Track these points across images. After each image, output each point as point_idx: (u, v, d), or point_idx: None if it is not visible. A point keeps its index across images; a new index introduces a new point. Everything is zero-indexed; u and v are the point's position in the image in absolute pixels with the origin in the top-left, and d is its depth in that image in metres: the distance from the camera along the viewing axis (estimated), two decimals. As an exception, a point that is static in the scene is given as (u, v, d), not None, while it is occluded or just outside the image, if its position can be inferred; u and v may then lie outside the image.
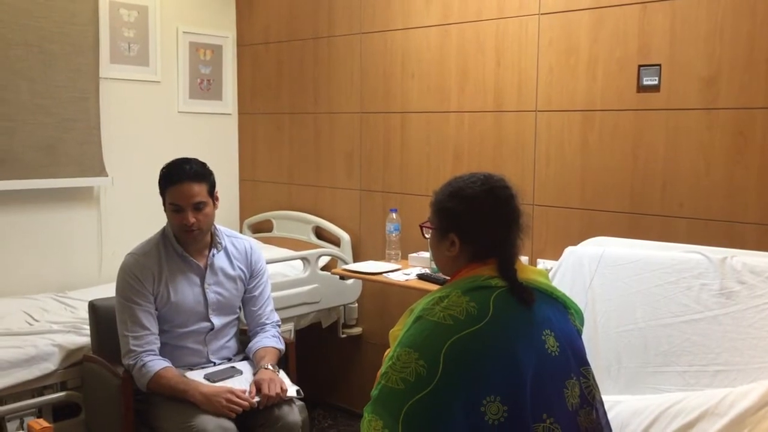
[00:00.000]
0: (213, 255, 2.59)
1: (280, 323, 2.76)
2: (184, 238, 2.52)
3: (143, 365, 2.40)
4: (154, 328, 2.48)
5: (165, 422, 2.38)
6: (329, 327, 3.69)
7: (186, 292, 2.54)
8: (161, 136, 3.88)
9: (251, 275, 2.69)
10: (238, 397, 2.33)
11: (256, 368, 2.52)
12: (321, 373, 3.91)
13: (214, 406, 2.30)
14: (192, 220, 2.45)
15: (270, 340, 2.65)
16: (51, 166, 3.40)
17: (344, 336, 3.74)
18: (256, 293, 2.70)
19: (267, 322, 2.70)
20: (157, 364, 2.41)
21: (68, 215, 3.55)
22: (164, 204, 2.51)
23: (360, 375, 3.78)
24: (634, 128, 2.76)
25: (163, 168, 2.53)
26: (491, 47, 3.13)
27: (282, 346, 2.67)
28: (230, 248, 2.65)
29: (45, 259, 3.47)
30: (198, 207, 2.47)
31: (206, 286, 2.57)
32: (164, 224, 2.60)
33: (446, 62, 3.29)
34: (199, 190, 2.47)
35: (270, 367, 2.50)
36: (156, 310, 2.50)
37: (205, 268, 2.58)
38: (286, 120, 4.03)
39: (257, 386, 2.40)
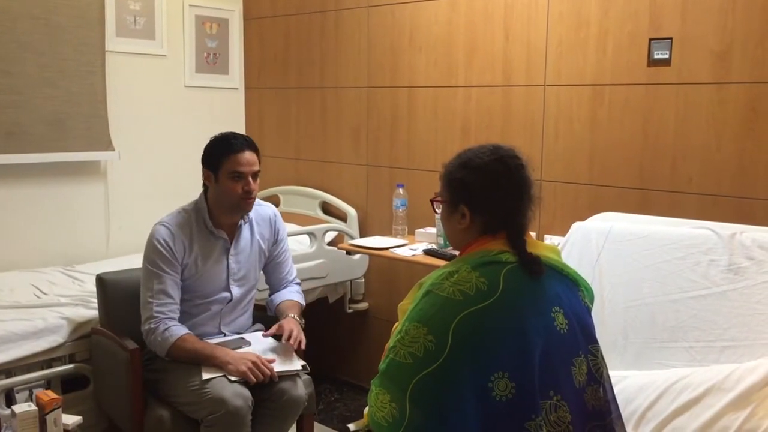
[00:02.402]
0: (240, 227, 2.61)
1: (300, 282, 2.84)
2: (242, 206, 2.53)
3: (166, 329, 2.40)
4: (178, 298, 2.49)
5: (177, 391, 2.39)
6: (336, 302, 3.70)
7: (213, 266, 2.56)
8: (168, 110, 3.86)
9: (275, 241, 2.73)
10: (262, 364, 2.37)
11: (282, 317, 2.59)
12: (328, 347, 3.93)
13: (238, 366, 2.34)
14: (254, 186, 2.50)
15: (293, 294, 2.74)
16: (58, 140, 3.40)
17: (351, 311, 3.75)
18: (281, 259, 2.76)
19: (290, 282, 2.78)
20: (180, 329, 2.44)
21: (76, 189, 3.56)
22: (216, 174, 2.49)
23: (366, 350, 3.80)
24: (645, 103, 2.73)
25: (216, 139, 2.54)
26: (500, 20, 3.09)
27: (303, 302, 2.76)
28: (255, 218, 2.68)
29: (53, 233, 3.48)
30: (255, 176, 2.52)
31: (230, 256, 2.59)
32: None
33: (454, 36, 3.26)
34: (256, 159, 2.54)
35: (297, 318, 2.58)
36: (182, 280, 2.51)
37: (231, 241, 2.60)
38: (293, 95, 4.01)
39: (280, 330, 2.48)
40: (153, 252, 2.47)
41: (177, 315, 2.47)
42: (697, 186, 2.64)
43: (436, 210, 1.71)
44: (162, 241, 2.47)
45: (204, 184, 2.57)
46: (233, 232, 2.60)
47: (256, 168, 2.52)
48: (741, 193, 2.54)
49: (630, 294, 2.31)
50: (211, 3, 4.01)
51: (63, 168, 3.48)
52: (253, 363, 2.36)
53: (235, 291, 2.61)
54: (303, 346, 2.50)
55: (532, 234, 2.87)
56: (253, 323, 2.75)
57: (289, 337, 2.47)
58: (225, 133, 2.56)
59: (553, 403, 1.49)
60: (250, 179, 2.49)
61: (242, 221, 2.61)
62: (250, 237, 2.65)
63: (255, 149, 2.54)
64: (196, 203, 2.59)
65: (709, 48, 2.56)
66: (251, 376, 2.33)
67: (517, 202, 1.59)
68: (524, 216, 1.60)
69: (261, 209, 2.71)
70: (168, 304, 2.45)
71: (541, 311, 1.52)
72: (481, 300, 1.48)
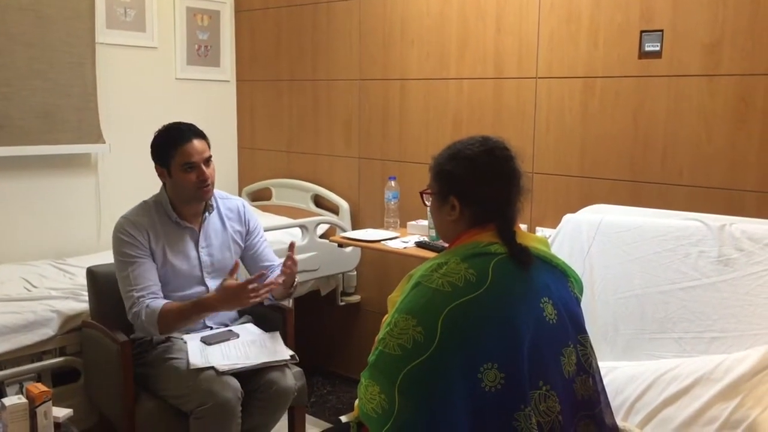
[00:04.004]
0: (206, 218, 2.60)
1: None
2: (200, 195, 2.51)
3: (146, 306, 2.39)
4: (156, 279, 2.48)
5: (167, 384, 2.39)
6: (328, 295, 3.70)
7: (182, 257, 2.54)
8: (159, 103, 3.85)
9: (248, 232, 2.72)
10: (249, 284, 2.36)
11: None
12: (320, 340, 3.93)
13: (239, 299, 2.36)
14: (207, 174, 2.48)
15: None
16: (48, 132, 3.38)
17: (343, 303, 3.75)
18: (259, 249, 2.74)
19: (275, 268, 2.73)
20: (159, 301, 2.42)
21: (66, 182, 3.54)
22: (168, 169, 2.49)
23: (358, 342, 3.80)
24: (636, 95, 2.73)
25: (161, 135, 2.52)
26: (492, 13, 3.09)
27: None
28: (223, 210, 2.67)
29: (43, 226, 3.47)
30: (207, 162, 2.50)
31: (200, 248, 2.58)
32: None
33: (446, 28, 3.25)
34: (205, 146, 2.51)
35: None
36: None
37: (199, 231, 2.58)
38: (285, 87, 4.00)
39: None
40: (119, 244, 2.48)
41: (160, 294, 2.46)
42: (687, 178, 2.64)
43: (426, 203, 1.71)
44: (124, 232, 2.47)
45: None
46: (199, 224, 2.59)
47: (207, 154, 2.50)
48: (731, 184, 2.55)
49: (620, 285, 2.31)
50: (202, -5, 4.00)
51: (53, 161, 3.47)
52: (251, 290, 2.34)
53: (211, 284, 2.59)
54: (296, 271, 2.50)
55: (524, 226, 2.90)
56: (241, 315, 2.75)
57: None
58: (168, 125, 2.54)
59: (542, 393, 1.49)
60: (203, 167, 2.47)
61: (206, 213, 2.60)
62: (222, 228, 2.64)
63: (201, 136, 2.52)
64: (156, 196, 2.58)
65: (700, 40, 2.56)
66: (255, 299, 2.35)
67: (507, 194, 1.59)
68: (513, 207, 1.60)
69: (229, 202, 2.71)
70: (149, 287, 2.44)
71: (530, 302, 1.53)
72: (470, 291, 1.48)
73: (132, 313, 2.42)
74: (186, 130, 2.49)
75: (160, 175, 2.53)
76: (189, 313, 2.41)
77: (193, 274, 2.57)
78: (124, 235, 2.47)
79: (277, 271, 2.71)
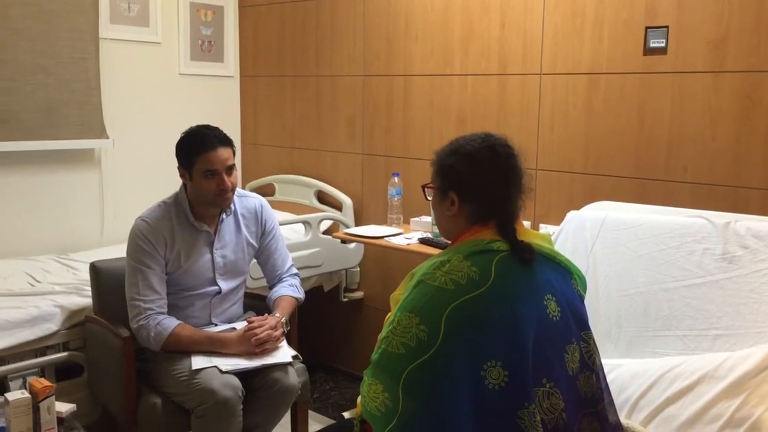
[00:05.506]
0: (222, 220, 2.59)
1: (298, 274, 2.80)
2: (219, 202, 2.50)
3: (158, 323, 2.40)
4: (164, 292, 2.48)
5: (168, 381, 2.39)
6: (331, 291, 3.70)
7: (197, 259, 2.53)
8: (162, 98, 3.85)
9: (263, 233, 2.70)
10: (258, 327, 2.43)
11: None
12: (322, 336, 3.93)
13: (246, 346, 2.41)
14: (228, 183, 2.46)
15: (286, 289, 2.70)
16: (51, 127, 3.38)
17: (346, 300, 3.75)
18: (271, 250, 2.72)
19: (284, 274, 2.74)
20: (172, 321, 2.43)
21: (69, 177, 3.54)
22: (190, 173, 2.47)
23: (361, 339, 3.80)
24: (640, 92, 2.72)
25: (186, 137, 2.50)
26: (496, 8, 3.08)
27: (299, 295, 2.72)
28: (240, 209, 2.65)
29: (47, 221, 3.47)
30: (230, 170, 2.48)
31: (214, 250, 2.57)
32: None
33: (450, 24, 3.25)
34: (229, 154, 2.49)
35: (277, 315, 2.55)
36: (166, 275, 2.49)
37: (215, 234, 2.57)
38: (288, 83, 3.99)
39: (251, 323, 2.47)
40: (134, 248, 2.46)
41: (165, 309, 2.46)
42: (692, 175, 2.63)
43: (427, 197, 1.71)
44: (141, 236, 2.45)
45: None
46: (215, 226, 2.58)
47: (230, 163, 2.47)
48: (736, 182, 2.54)
49: (624, 283, 2.31)
50: (206, -10, 4.00)
51: (57, 156, 3.47)
52: (256, 339, 2.39)
53: (223, 285, 2.59)
54: (257, 345, 2.42)
55: (527, 223, 2.89)
56: (245, 311, 2.75)
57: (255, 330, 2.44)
58: (195, 128, 2.51)
59: (546, 391, 1.49)
60: (224, 176, 2.45)
61: (224, 214, 2.58)
62: (236, 230, 2.62)
63: (227, 143, 2.49)
64: (176, 196, 2.56)
65: (705, 36, 2.55)
66: (261, 349, 2.40)
67: (506, 190, 1.58)
68: (514, 204, 1.59)
69: (247, 201, 2.68)
70: (156, 300, 2.44)
71: (534, 299, 1.52)
72: (473, 289, 1.47)
73: (137, 324, 2.42)
74: (212, 137, 2.46)
75: (181, 176, 2.52)
76: (200, 345, 2.42)
77: (206, 276, 2.56)
78: (143, 242, 2.45)
79: (285, 283, 2.72)
